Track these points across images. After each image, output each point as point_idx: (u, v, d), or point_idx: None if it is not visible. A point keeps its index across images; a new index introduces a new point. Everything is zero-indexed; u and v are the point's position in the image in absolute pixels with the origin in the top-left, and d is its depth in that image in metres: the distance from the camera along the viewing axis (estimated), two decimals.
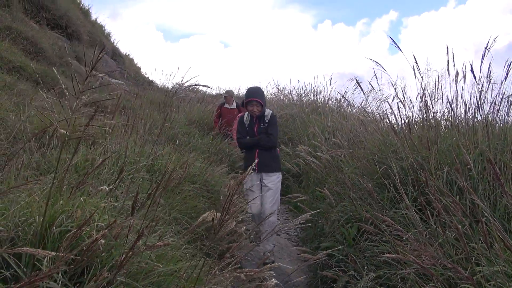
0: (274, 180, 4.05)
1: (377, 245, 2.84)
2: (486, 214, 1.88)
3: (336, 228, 3.33)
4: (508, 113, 3.47)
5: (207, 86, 3.10)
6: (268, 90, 13.31)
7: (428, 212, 2.59)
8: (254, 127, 4.19)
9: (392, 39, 3.19)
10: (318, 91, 9.19)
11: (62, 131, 1.81)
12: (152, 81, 13.75)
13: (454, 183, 2.91)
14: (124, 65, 13.52)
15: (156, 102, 7.27)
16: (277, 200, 4.12)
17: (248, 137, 4.20)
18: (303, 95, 9.64)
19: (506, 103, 3.42)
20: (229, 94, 8.22)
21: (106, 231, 0.96)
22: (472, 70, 3.01)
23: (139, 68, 16.39)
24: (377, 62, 3.49)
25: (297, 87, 16.78)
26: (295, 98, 9.73)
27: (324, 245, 3.27)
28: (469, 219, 2.34)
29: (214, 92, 15.82)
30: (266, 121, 4.13)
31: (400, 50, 3.17)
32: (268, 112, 4.19)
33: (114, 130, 3.95)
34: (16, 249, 0.97)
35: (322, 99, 8.71)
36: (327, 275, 2.91)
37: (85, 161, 3.20)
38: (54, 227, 1.71)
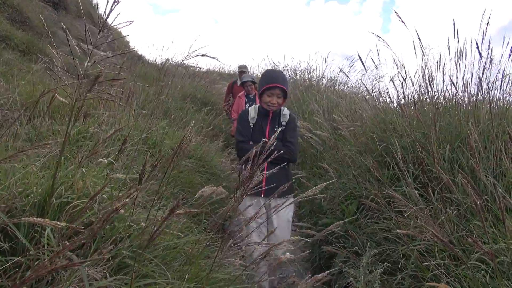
0: (286, 209, 2.81)
1: (377, 222, 2.84)
2: (501, 191, 1.86)
3: (335, 205, 3.32)
4: (509, 92, 3.45)
5: (216, 58, 2.94)
6: (262, 66, 13.13)
7: (430, 189, 2.58)
8: (265, 128, 2.89)
9: (396, 12, 3.11)
10: (312, 69, 9.09)
11: (61, 98, 1.72)
12: (141, 55, 13.45)
13: (455, 161, 2.90)
14: (112, 36, 13.14)
15: (147, 77, 7.10)
16: (288, 233, 2.95)
17: (252, 143, 2.84)
18: (298, 72, 9.54)
19: (507, 82, 3.40)
20: (244, 69, 7.19)
21: (127, 200, 0.90)
22: (477, 47, 2.96)
23: (127, 42, 15.99)
24: (379, 37, 3.41)
25: (291, 64, 16.62)
26: (290, 75, 9.62)
27: (323, 221, 3.26)
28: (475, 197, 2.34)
29: (204, 69, 15.59)
30: (283, 122, 2.90)
31: (405, 25, 3.09)
32: (286, 111, 2.96)
33: (107, 103, 3.84)
34: (28, 218, 0.90)
35: (316, 77, 8.63)
36: (325, 252, 2.91)
37: (78, 133, 3.11)
38: (54, 199, 1.63)
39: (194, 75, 9.48)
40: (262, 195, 2.79)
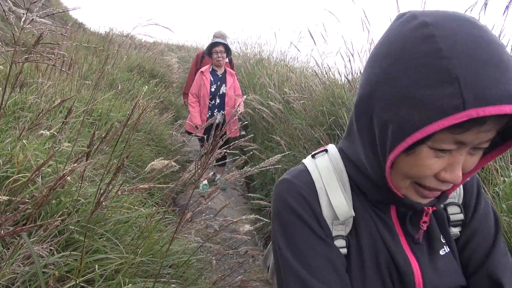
0: None
1: None
2: None
3: None
4: None
5: (168, 29, 2.62)
6: (211, 38, 12.78)
7: None
8: (395, 242, 0.69)
9: None
10: (263, 43, 9.05)
11: None
12: (82, 23, 12.65)
13: None
14: (49, 2, 12.18)
15: (90, 46, 6.68)
16: None
17: None
18: (248, 46, 9.44)
19: None
20: (221, 36, 4.66)
21: (75, 165, 0.84)
22: None
23: (66, 8, 14.90)
24: (331, 13, 3.45)
25: (241, 37, 16.43)
26: (241, 48, 9.50)
27: None
28: None
29: (151, 40, 14.97)
30: (458, 218, 0.73)
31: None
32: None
33: (46, 72, 3.58)
34: None
35: (267, 51, 8.59)
36: None
37: (14, 104, 2.88)
38: None
39: (140, 46, 9.06)
40: None
